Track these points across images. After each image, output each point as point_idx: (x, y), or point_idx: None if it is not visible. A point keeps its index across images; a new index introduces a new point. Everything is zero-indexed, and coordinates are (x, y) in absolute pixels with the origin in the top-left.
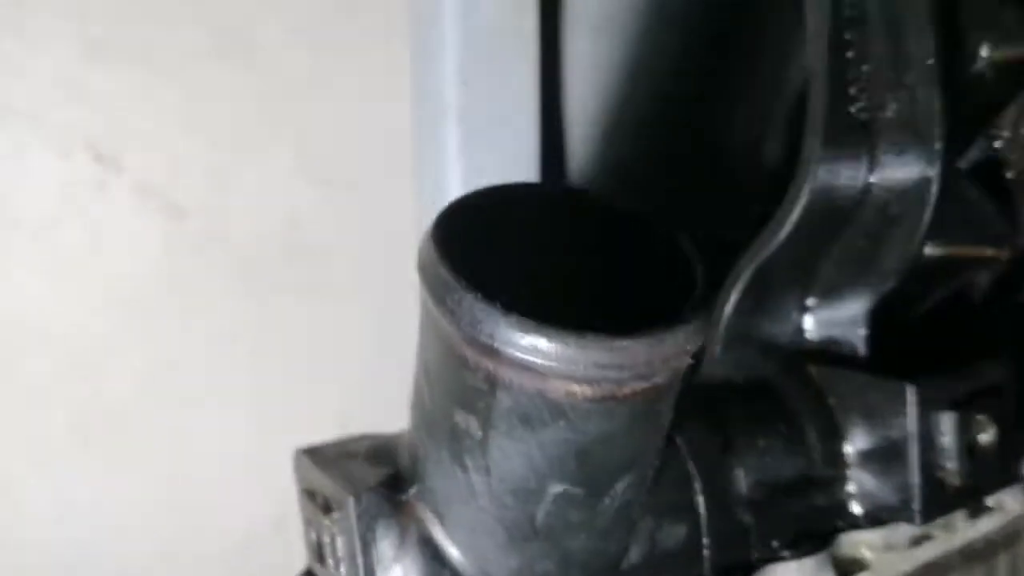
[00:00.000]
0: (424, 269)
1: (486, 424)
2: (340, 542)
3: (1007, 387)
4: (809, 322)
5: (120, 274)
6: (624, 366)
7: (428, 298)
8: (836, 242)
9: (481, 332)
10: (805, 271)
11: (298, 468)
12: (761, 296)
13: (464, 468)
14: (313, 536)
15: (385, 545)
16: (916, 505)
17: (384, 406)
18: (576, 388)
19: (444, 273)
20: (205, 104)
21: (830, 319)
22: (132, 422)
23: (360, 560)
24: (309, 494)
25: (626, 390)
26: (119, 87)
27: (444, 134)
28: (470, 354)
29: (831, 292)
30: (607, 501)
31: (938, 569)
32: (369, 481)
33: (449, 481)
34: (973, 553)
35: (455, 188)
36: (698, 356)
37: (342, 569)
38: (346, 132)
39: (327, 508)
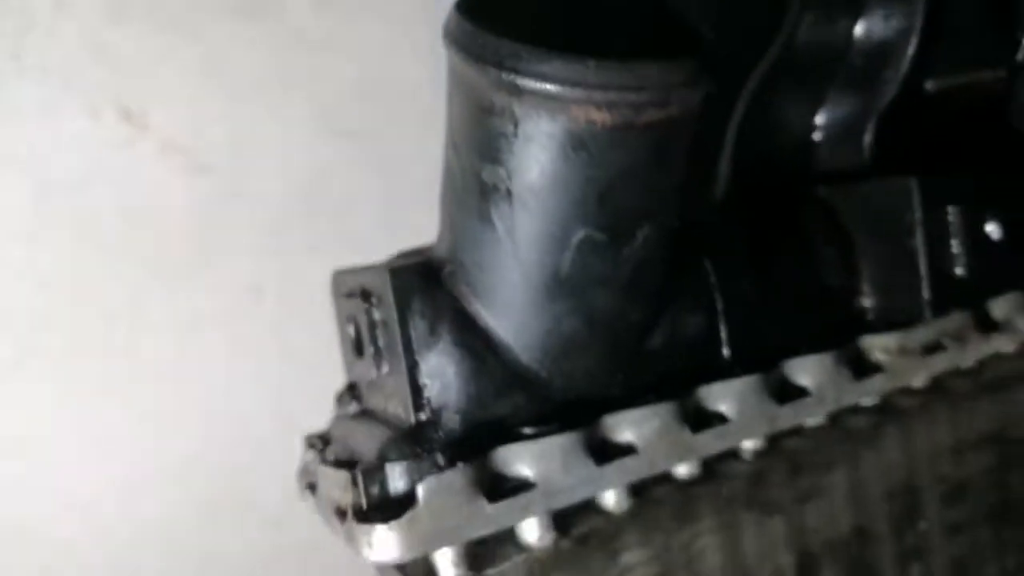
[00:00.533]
0: (450, 32)
1: (512, 171)
2: (379, 321)
3: (1013, 187)
4: (817, 136)
5: (147, 232)
6: (640, 87)
7: (455, 56)
8: (837, 63)
9: (504, 67)
10: (810, 90)
11: (336, 283)
12: (768, 109)
13: (493, 227)
14: (351, 331)
15: (421, 318)
16: (925, 294)
17: None
18: (596, 115)
19: (468, 26)
20: (226, 61)
21: (837, 133)
22: (160, 380)
23: (398, 333)
24: (347, 296)
25: (644, 118)
26: (143, 47)
27: None
28: (496, 98)
29: (837, 109)
30: (627, 252)
31: (956, 397)
32: (404, 263)
33: (479, 248)
34: (990, 384)
35: None
36: (702, 111)
37: (381, 345)
38: (366, 86)
39: (365, 295)
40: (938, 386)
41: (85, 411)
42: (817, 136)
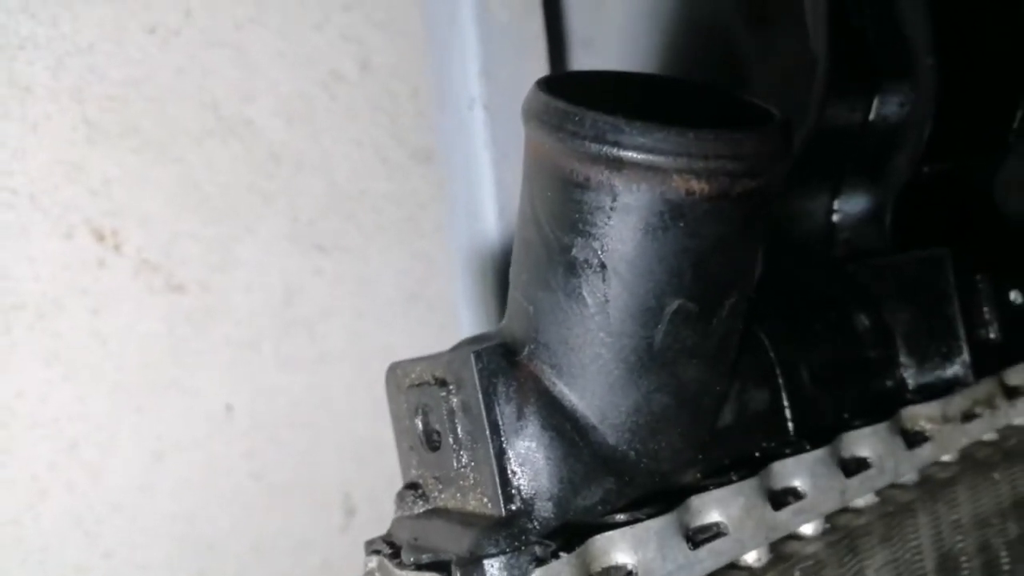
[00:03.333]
0: (533, 111)
1: (606, 245)
2: (459, 408)
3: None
4: (837, 218)
5: (123, 351)
6: (738, 157)
7: (542, 134)
8: (850, 155)
9: (605, 142)
10: (830, 181)
11: (396, 375)
12: (792, 196)
13: (583, 302)
14: (420, 426)
15: (506, 401)
16: (966, 357)
17: (387, 474)
18: (695, 184)
19: (558, 104)
20: (201, 181)
21: (857, 217)
22: (134, 508)
23: (484, 417)
24: (414, 386)
25: (738, 188)
26: (118, 167)
27: (472, 121)
28: (592, 173)
29: (856, 194)
30: (715, 323)
31: (985, 467)
32: (483, 345)
33: (564, 326)
34: (1013, 452)
35: (486, 171)
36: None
37: (462, 434)
38: (337, 200)
39: (441, 382)
40: (966, 457)
41: (50, 543)
42: (837, 219)
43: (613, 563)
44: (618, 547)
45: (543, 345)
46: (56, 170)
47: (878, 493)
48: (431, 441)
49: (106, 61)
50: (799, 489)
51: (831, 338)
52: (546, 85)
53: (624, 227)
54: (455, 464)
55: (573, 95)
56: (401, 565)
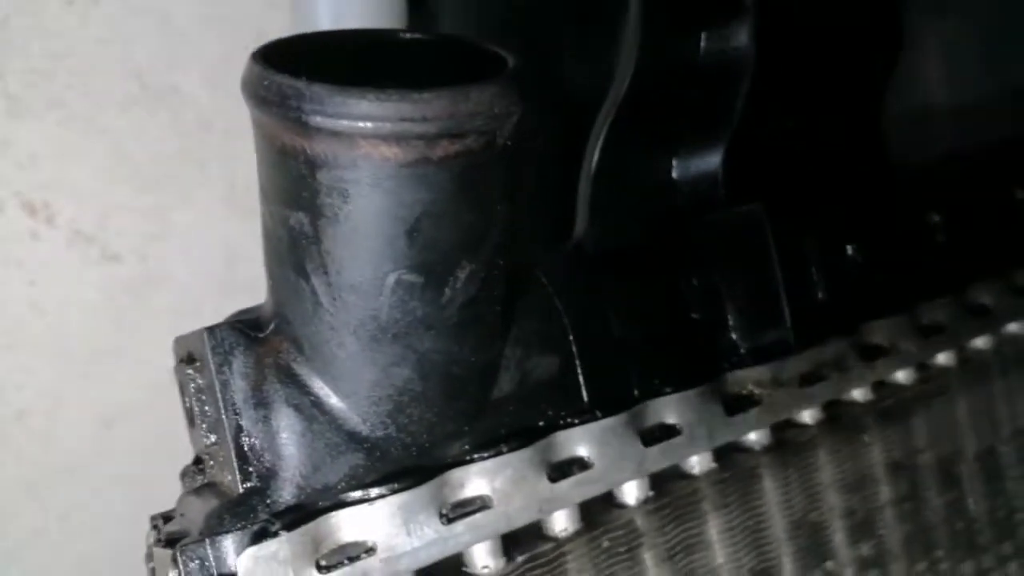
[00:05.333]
0: (244, 83)
1: (314, 214)
2: (202, 385)
3: (868, 212)
4: (677, 173)
5: (63, 321)
6: (428, 119)
7: (250, 104)
8: (678, 102)
9: (290, 108)
10: (661, 132)
11: (174, 351)
12: (623, 155)
13: (306, 276)
14: (185, 402)
15: (243, 379)
16: (787, 322)
17: None
18: (387, 150)
19: (258, 69)
20: (129, 151)
21: (692, 172)
22: (86, 472)
23: (219, 394)
24: (179, 362)
25: (438, 151)
26: (43, 141)
27: None
28: (287, 140)
29: (691, 149)
30: (448, 292)
31: (854, 428)
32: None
33: (296, 300)
34: (887, 411)
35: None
36: (520, 135)
37: (207, 412)
38: None
39: (191, 359)
40: (833, 418)
41: (5, 510)
42: (677, 174)
43: (350, 540)
44: (355, 524)
45: (284, 320)
46: None
47: (717, 458)
48: (191, 419)
49: (24, 35)
50: (586, 459)
51: (645, 301)
52: (263, 54)
53: (328, 197)
54: (206, 442)
55: (299, 61)
56: (156, 541)
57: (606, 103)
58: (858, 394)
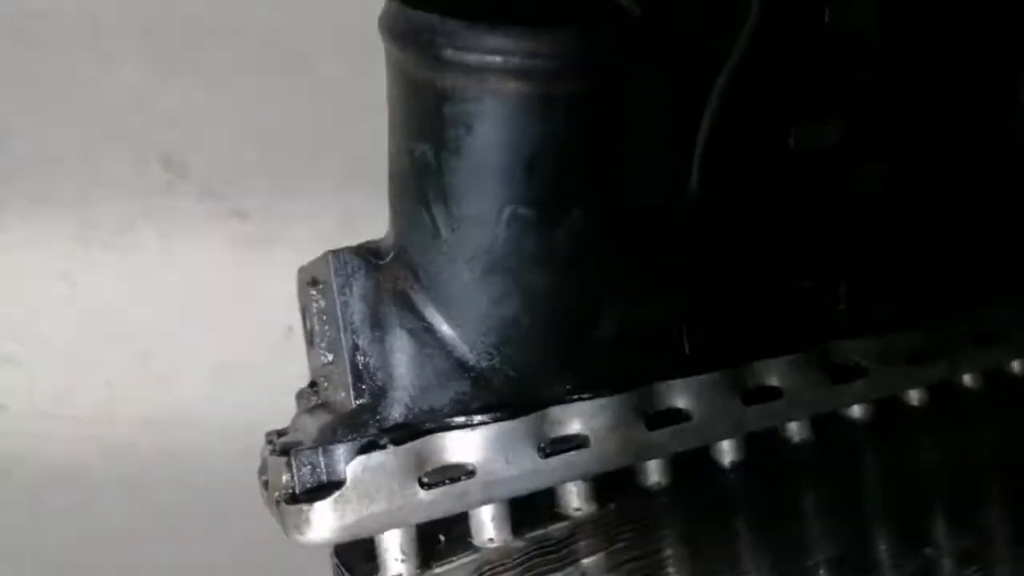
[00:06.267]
0: (381, 20)
1: (439, 146)
2: (324, 307)
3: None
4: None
5: (188, 272)
6: (555, 55)
7: (386, 40)
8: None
9: (423, 42)
10: (781, 99)
11: (298, 277)
12: (739, 117)
13: (427, 206)
14: (306, 324)
15: (362, 301)
16: (899, 296)
17: None
18: (513, 84)
19: (395, 6)
20: (262, 113)
21: (811, 141)
22: (201, 418)
23: (339, 314)
24: (301, 289)
25: (561, 88)
26: (182, 99)
27: None
28: (419, 73)
29: (810, 119)
30: (561, 231)
31: (959, 414)
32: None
33: (416, 230)
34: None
35: None
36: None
37: (327, 332)
38: None
39: (314, 282)
40: (940, 401)
41: (124, 441)
42: (792, 144)
43: (452, 462)
44: (458, 447)
45: (404, 249)
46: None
47: (816, 427)
48: (312, 339)
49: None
50: (685, 411)
51: (756, 263)
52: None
53: (453, 129)
54: (323, 360)
55: (434, 3)
56: (271, 452)
57: (727, 64)
58: (969, 380)
